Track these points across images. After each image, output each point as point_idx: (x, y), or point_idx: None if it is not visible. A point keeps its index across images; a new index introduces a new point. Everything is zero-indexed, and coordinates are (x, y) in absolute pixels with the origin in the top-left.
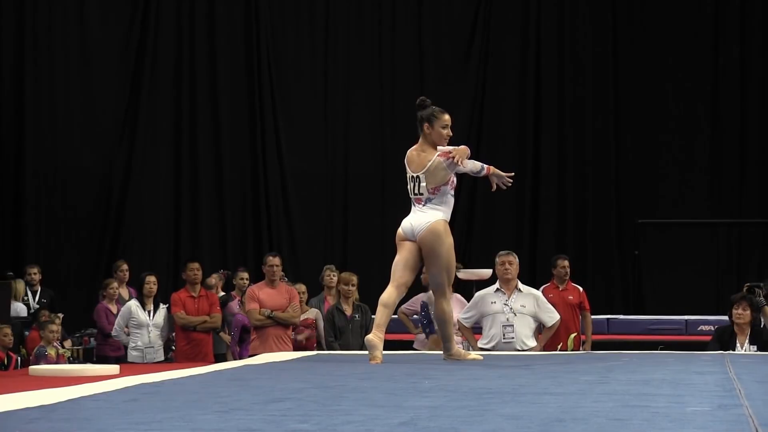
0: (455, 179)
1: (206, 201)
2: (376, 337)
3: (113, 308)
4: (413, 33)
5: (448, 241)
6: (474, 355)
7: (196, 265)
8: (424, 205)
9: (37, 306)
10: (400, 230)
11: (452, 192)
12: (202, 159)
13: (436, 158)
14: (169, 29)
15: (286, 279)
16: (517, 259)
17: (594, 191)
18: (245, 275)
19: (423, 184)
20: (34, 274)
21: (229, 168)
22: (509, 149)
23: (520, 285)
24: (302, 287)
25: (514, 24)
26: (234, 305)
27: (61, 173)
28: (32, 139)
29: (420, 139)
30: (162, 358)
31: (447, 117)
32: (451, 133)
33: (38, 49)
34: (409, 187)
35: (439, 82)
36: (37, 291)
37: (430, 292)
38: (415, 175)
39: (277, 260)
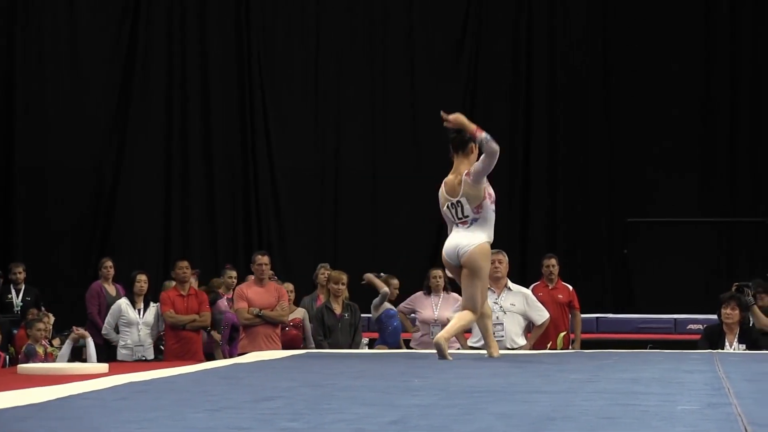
0: (493, 193)
1: (196, 199)
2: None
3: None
4: (404, 30)
5: (487, 265)
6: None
7: (185, 263)
8: (469, 226)
9: (21, 304)
10: (444, 256)
11: (494, 207)
12: (192, 157)
13: (463, 178)
14: (160, 26)
15: (276, 278)
16: (507, 258)
17: (584, 190)
18: (233, 273)
19: (466, 206)
20: (19, 273)
21: (220, 166)
22: (500, 147)
23: (510, 283)
24: (290, 286)
25: (505, 21)
26: (222, 303)
27: (51, 171)
28: (22, 136)
29: (454, 164)
30: (152, 357)
31: None
32: None
33: (29, 46)
34: (450, 213)
35: (429, 79)
36: (21, 289)
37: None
38: (455, 200)
39: (265, 259)
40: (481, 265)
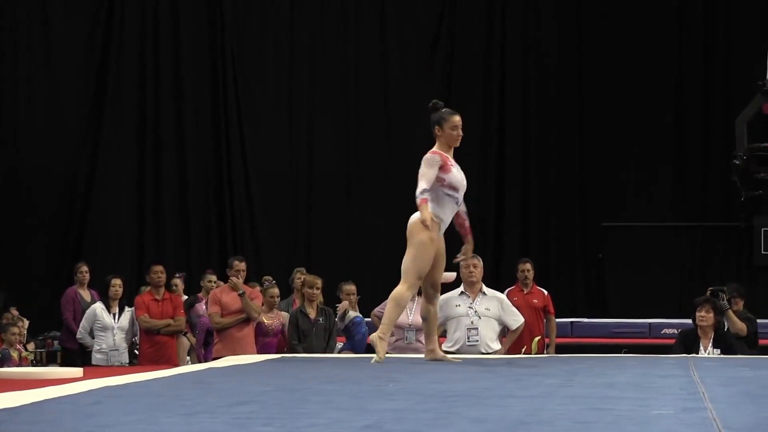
0: (448, 179)
1: (170, 203)
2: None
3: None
4: (377, 33)
5: (425, 234)
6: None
7: (160, 267)
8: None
9: None
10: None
11: (448, 191)
12: (167, 161)
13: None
14: (133, 31)
15: (270, 281)
16: (482, 262)
17: (558, 194)
18: (213, 278)
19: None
20: None
21: (194, 170)
22: (474, 151)
23: (485, 288)
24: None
25: (479, 25)
26: (201, 307)
27: (25, 175)
28: None
29: (436, 143)
30: (126, 361)
31: (457, 118)
32: (461, 134)
33: (2, 49)
34: None
35: (403, 83)
36: None
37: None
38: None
39: (243, 265)
40: (415, 232)
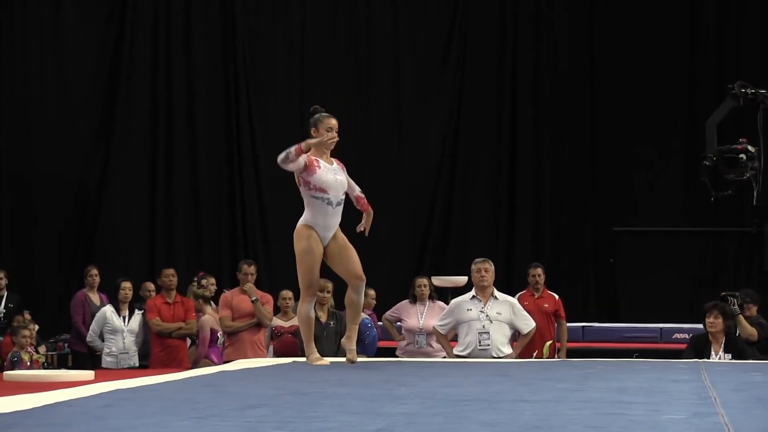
0: (313, 181)
1: (181, 207)
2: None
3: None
4: (389, 39)
5: (300, 245)
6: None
7: (171, 271)
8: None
9: (4, 311)
10: None
11: (315, 194)
12: (178, 164)
13: None
14: (145, 35)
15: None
16: (493, 267)
17: (570, 199)
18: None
19: None
20: (0, 279)
21: (205, 173)
22: (486, 157)
23: (496, 292)
24: (289, 293)
25: (491, 33)
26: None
27: (36, 179)
28: (7, 143)
29: None
30: (137, 364)
31: (333, 121)
32: (336, 137)
33: (13, 54)
34: None
35: (415, 90)
36: (3, 296)
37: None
38: None
39: (252, 269)
40: (294, 244)
